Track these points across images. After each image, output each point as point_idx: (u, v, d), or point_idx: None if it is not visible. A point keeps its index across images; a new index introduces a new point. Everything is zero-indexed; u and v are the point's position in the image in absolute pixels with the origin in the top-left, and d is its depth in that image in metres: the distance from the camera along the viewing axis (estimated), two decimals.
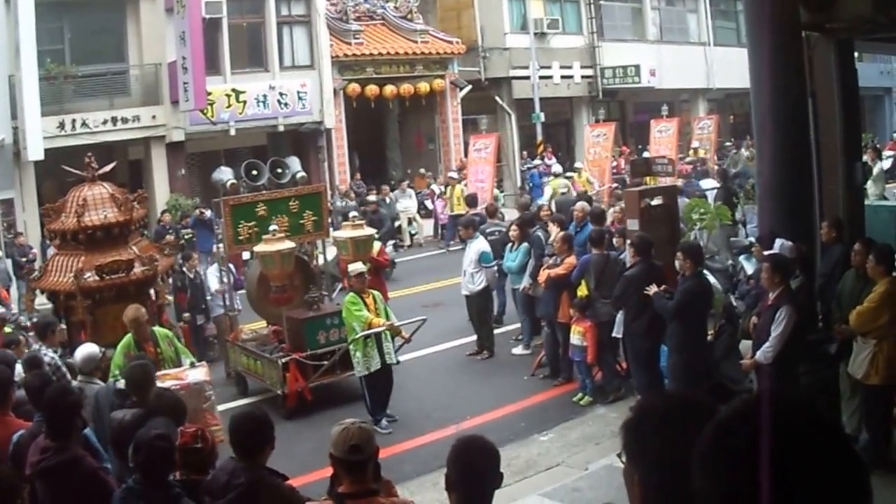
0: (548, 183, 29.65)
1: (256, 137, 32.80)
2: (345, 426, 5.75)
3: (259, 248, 14.83)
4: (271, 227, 14.82)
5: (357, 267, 13.77)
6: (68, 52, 28.14)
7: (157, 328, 11.06)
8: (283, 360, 14.30)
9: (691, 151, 36.70)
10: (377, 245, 17.27)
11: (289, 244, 14.71)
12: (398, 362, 16.16)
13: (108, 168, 12.92)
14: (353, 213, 16.99)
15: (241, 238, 15.42)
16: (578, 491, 10.55)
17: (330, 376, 14.60)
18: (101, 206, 11.98)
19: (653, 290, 11.82)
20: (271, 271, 14.79)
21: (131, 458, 6.33)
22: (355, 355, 13.41)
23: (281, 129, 32.40)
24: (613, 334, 13.32)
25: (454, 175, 30.90)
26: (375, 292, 13.97)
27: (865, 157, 20.16)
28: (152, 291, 12.77)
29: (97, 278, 11.54)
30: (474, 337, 17.20)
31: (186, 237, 24.01)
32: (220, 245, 17.45)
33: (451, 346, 17.68)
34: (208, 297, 17.21)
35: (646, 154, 34.62)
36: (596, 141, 33.75)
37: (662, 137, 34.99)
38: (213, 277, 17.14)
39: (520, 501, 10.21)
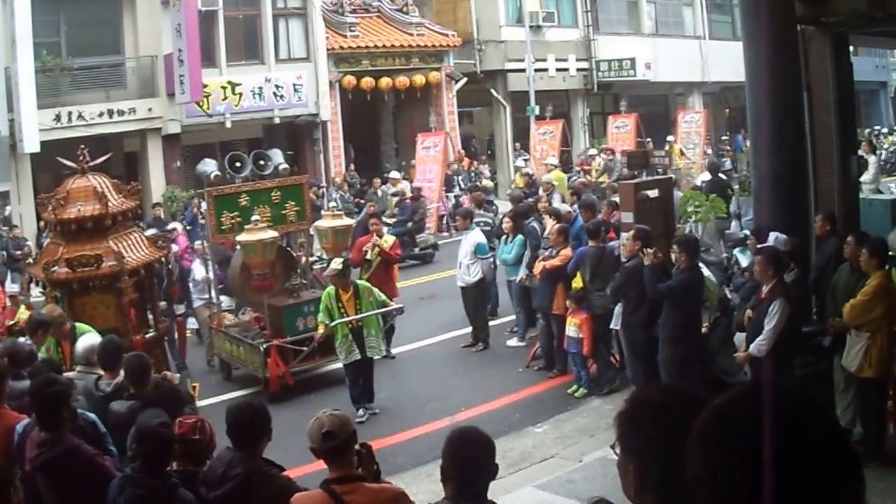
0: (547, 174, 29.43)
1: (252, 130, 32.82)
2: (317, 417, 5.85)
3: (241, 237, 15.18)
4: (253, 218, 15.18)
5: (335, 265, 14.03)
6: (64, 45, 28.13)
7: (81, 325, 11.03)
8: (265, 346, 14.66)
9: (667, 147, 35.93)
10: (391, 238, 17.32)
11: (270, 233, 15.04)
12: (394, 356, 16.32)
13: (100, 160, 12.90)
14: (332, 203, 17.08)
15: (223, 228, 15.76)
16: (573, 483, 10.58)
17: (311, 362, 15.05)
18: (84, 199, 12.01)
19: (649, 258, 11.86)
20: (253, 260, 15.13)
21: (131, 447, 6.34)
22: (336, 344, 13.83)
23: (277, 121, 32.39)
24: (611, 326, 13.35)
25: (396, 175, 30.41)
26: (362, 284, 14.16)
27: (861, 151, 20.16)
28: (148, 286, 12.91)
29: (68, 270, 11.63)
30: (469, 329, 17.23)
31: (188, 228, 24.00)
32: (204, 238, 17.77)
33: (445, 337, 17.74)
34: (191, 287, 17.28)
35: (592, 152, 34.19)
36: (542, 139, 33.13)
37: (620, 133, 34.07)
38: (198, 268, 17.22)
39: (514, 493, 10.22)
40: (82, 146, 12.69)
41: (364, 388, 13.92)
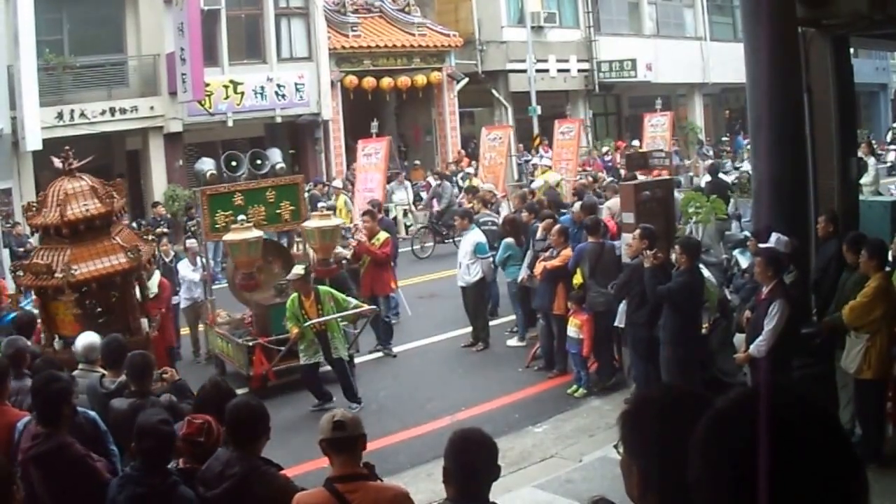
0: (540, 175, 29.11)
1: (254, 129, 32.88)
2: (332, 411, 6.01)
3: (227, 236, 15.24)
4: (240, 217, 15.25)
5: (296, 271, 14.12)
6: (67, 43, 28.17)
7: None
8: (250, 344, 14.81)
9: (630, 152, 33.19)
10: (383, 235, 17.09)
11: (256, 233, 15.13)
12: (395, 355, 16.33)
13: (84, 162, 12.64)
14: (321, 204, 16.78)
15: (217, 227, 15.76)
16: (572, 483, 10.58)
17: (295, 361, 14.76)
18: (52, 205, 11.90)
19: (649, 260, 11.90)
20: (238, 259, 15.29)
21: (134, 444, 6.35)
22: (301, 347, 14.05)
23: (278, 120, 32.49)
24: (615, 324, 13.35)
25: (338, 184, 29.51)
26: (324, 290, 14.19)
27: (860, 153, 20.16)
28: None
29: (32, 276, 11.60)
30: (469, 328, 17.24)
31: (192, 229, 24.03)
32: (193, 240, 18.07)
33: (445, 337, 17.74)
34: (182, 284, 17.38)
35: (534, 160, 33.35)
36: (492, 145, 31.81)
37: (565, 140, 32.23)
38: (186, 269, 17.24)
39: (513, 493, 10.22)
40: (67, 147, 12.54)
41: (343, 389, 14.11)
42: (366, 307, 14.85)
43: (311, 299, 13.91)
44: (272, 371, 14.76)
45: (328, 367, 14.38)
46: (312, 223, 15.89)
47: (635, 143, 35.20)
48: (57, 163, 12.26)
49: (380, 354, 16.57)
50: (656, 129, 33.99)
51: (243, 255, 15.09)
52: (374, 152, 28.12)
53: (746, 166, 26.42)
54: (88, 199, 11.93)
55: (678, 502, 2.19)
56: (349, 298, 14.49)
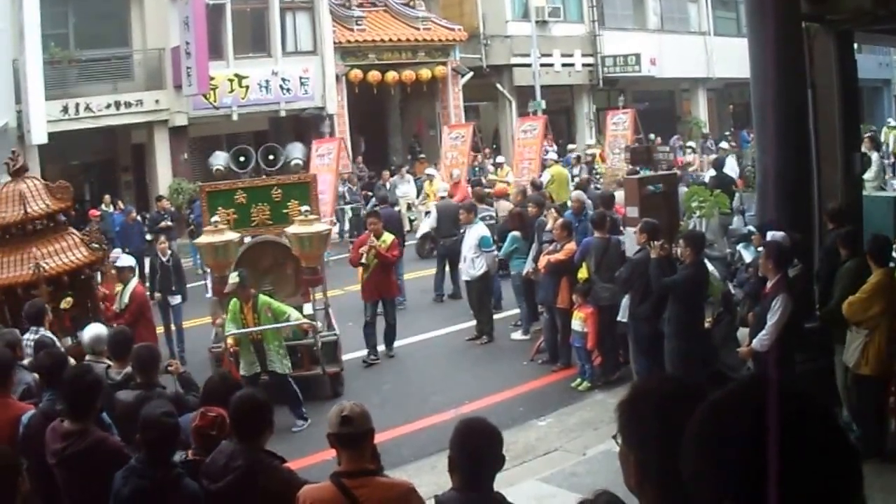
0: (547, 169, 28.99)
1: (259, 122, 32.92)
2: (339, 403, 5.93)
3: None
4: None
5: (232, 279, 13.44)
6: (72, 37, 28.30)
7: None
8: (217, 350, 14.19)
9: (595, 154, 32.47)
10: (390, 238, 16.32)
11: (228, 236, 14.43)
12: (393, 355, 16.25)
13: (18, 164, 12.43)
14: (305, 208, 15.70)
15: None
16: (576, 476, 10.62)
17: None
18: None
19: (655, 251, 11.92)
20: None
21: (138, 436, 6.39)
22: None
23: (283, 114, 32.56)
24: (618, 318, 13.37)
25: None
26: (262, 299, 13.46)
27: (864, 149, 20.18)
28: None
29: None
30: (473, 322, 17.28)
31: (196, 222, 24.06)
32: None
33: (450, 330, 17.82)
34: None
35: (501, 159, 32.25)
36: (453, 144, 31.18)
37: (527, 139, 31.22)
38: None
39: (517, 486, 10.21)
40: (13, 150, 12.43)
41: (289, 403, 13.34)
42: (304, 321, 13.89)
43: (249, 306, 13.29)
44: (242, 377, 13.59)
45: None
46: (292, 229, 14.86)
47: (591, 141, 34.40)
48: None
49: (380, 349, 16.42)
50: (618, 128, 32.70)
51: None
52: (326, 153, 28.22)
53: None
54: (12, 206, 11.88)
55: (676, 494, 2.20)
56: (289, 310, 13.72)
